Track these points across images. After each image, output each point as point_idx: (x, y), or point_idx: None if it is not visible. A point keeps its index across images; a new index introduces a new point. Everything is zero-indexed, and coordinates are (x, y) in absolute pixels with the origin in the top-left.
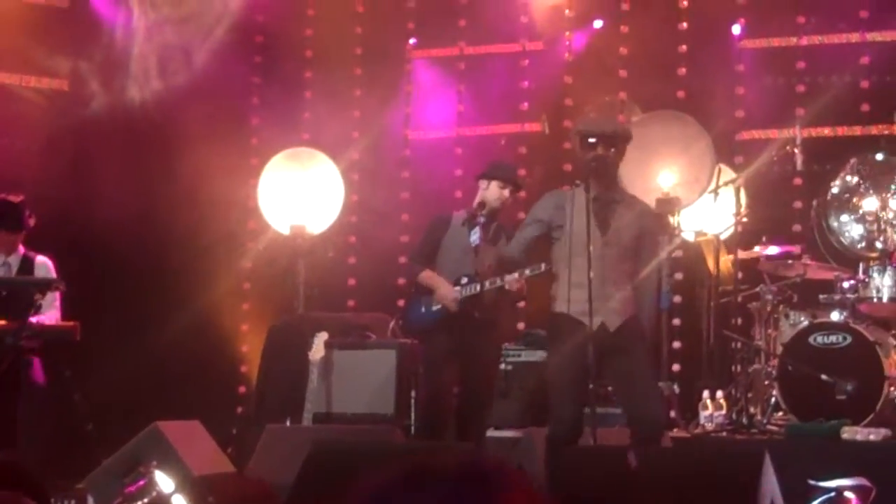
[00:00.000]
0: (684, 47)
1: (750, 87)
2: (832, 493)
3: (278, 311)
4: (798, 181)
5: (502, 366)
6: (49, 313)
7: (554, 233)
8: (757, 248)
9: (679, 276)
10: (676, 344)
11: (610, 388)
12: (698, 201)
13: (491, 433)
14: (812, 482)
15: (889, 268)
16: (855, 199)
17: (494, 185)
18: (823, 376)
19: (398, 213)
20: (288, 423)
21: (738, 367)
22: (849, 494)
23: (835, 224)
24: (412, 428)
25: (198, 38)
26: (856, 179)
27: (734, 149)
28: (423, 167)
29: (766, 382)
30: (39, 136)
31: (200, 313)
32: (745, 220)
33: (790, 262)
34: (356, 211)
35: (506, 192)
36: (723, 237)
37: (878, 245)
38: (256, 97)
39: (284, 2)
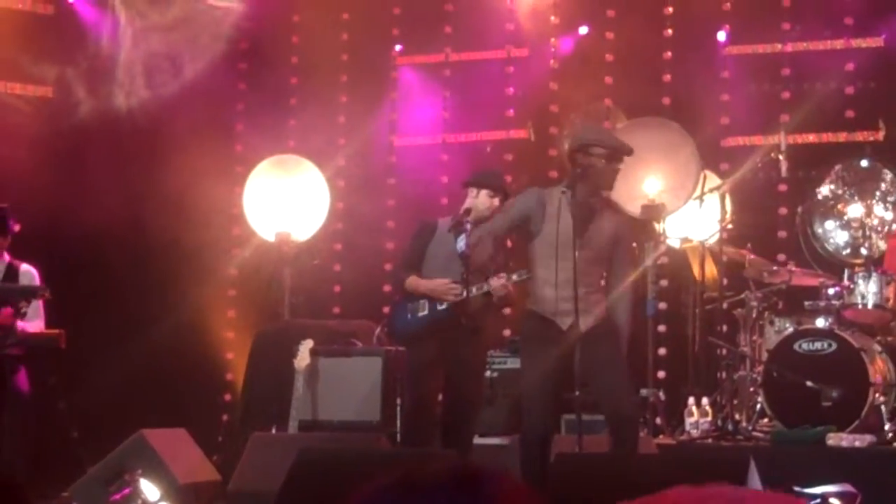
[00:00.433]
0: (669, 54)
1: (735, 93)
2: (818, 500)
3: (264, 319)
4: (783, 188)
5: (488, 373)
6: (34, 322)
7: (532, 227)
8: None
9: (664, 282)
10: (662, 350)
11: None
12: (683, 208)
13: (477, 440)
14: (797, 489)
15: (874, 274)
16: (840, 206)
17: (484, 193)
18: (809, 383)
19: (384, 220)
20: (274, 431)
21: (724, 374)
22: (834, 501)
23: (820, 230)
24: (398, 435)
25: (184, 46)
26: (840, 186)
27: (719, 155)
28: (408, 174)
29: (752, 389)
30: (24, 143)
31: (186, 321)
32: (730, 226)
33: (775, 268)
34: (342, 218)
35: (496, 201)
36: (708, 244)
37: (863, 251)
38: (242, 104)
39: (270, 8)
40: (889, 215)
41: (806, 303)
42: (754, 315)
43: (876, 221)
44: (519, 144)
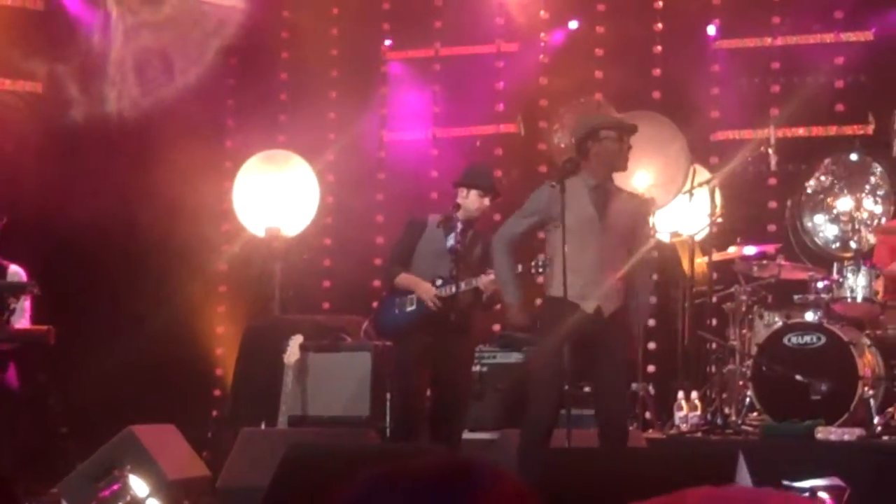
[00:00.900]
0: (659, 48)
1: (725, 87)
2: (806, 494)
3: (253, 314)
4: (773, 181)
5: (477, 367)
6: (20, 320)
7: (551, 224)
8: (732, 249)
9: (654, 276)
10: (651, 345)
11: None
12: (673, 202)
13: (466, 435)
14: (786, 482)
15: (863, 268)
16: (829, 200)
17: (474, 194)
18: (798, 376)
19: (373, 215)
20: (263, 426)
21: (713, 368)
22: (823, 494)
23: (809, 224)
24: (387, 430)
25: (175, 42)
26: (830, 180)
27: (709, 149)
28: (398, 169)
29: (741, 383)
30: (14, 138)
31: (175, 316)
32: (719, 220)
33: (765, 262)
34: (332, 213)
35: (486, 201)
36: (698, 238)
37: (853, 245)
38: (232, 99)
39: (260, 4)
40: (878, 209)
41: (795, 296)
42: (744, 309)
43: (865, 215)
44: (509, 139)
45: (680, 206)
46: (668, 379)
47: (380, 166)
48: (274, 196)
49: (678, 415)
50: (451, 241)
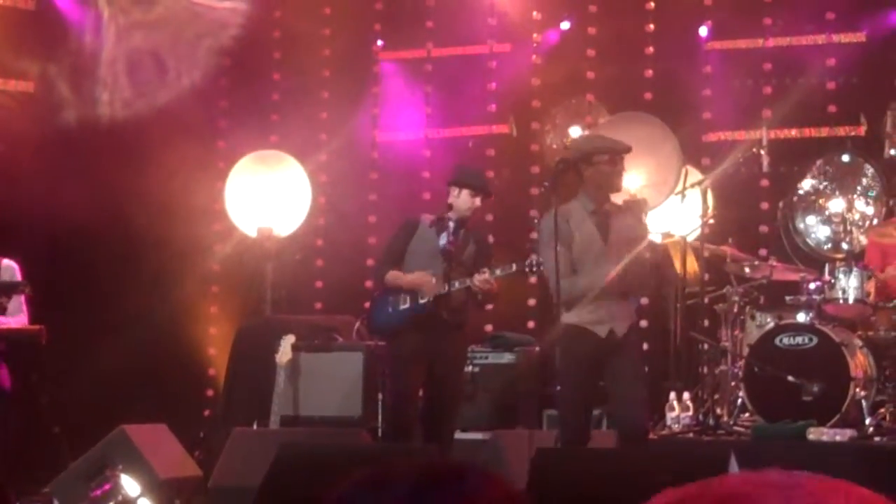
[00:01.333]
0: (651, 49)
1: (717, 88)
2: None
3: (245, 314)
4: (765, 182)
5: (469, 368)
6: (16, 317)
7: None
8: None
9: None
10: (644, 345)
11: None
12: (665, 203)
13: (457, 435)
14: None
15: (855, 269)
16: (821, 201)
17: (466, 193)
18: (790, 377)
19: (366, 215)
20: (255, 426)
21: (705, 369)
22: None
23: (801, 225)
24: (379, 430)
25: (167, 43)
26: (822, 181)
27: (701, 150)
28: (390, 169)
29: (733, 384)
30: (4, 138)
31: (168, 316)
32: (711, 221)
33: (757, 263)
34: (324, 213)
35: (477, 201)
36: (690, 239)
37: (844, 246)
38: (224, 99)
39: (251, 3)
40: (870, 210)
41: (787, 297)
42: (735, 310)
43: (857, 216)
44: (501, 139)
45: (672, 208)
46: (660, 379)
47: (372, 166)
48: (266, 196)
49: (670, 415)
50: (443, 241)
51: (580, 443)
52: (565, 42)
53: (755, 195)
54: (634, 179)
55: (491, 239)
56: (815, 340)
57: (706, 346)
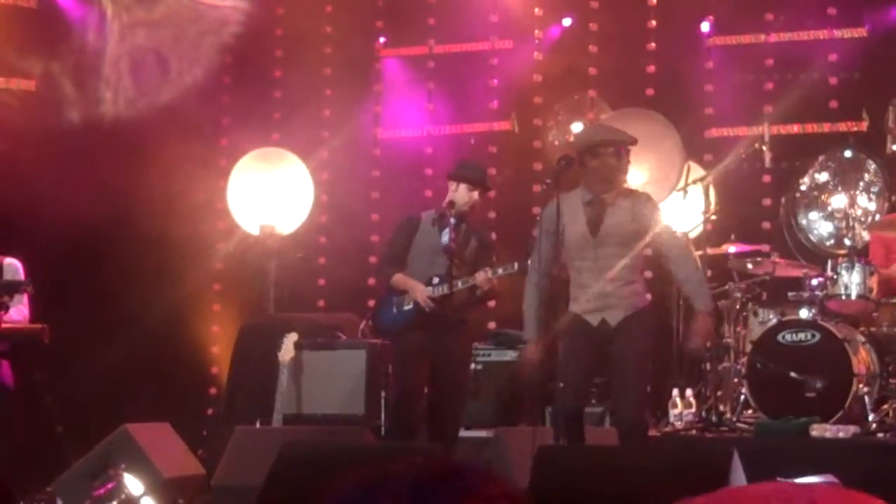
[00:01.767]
0: (653, 45)
1: (719, 84)
2: None
3: (248, 312)
4: (767, 178)
5: (473, 365)
6: (20, 314)
7: (559, 234)
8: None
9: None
10: (648, 337)
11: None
12: (667, 199)
13: (461, 433)
14: (781, 480)
15: (857, 265)
16: (824, 197)
17: (463, 187)
18: (792, 374)
19: (368, 213)
20: (258, 425)
21: (708, 366)
22: None
23: (803, 221)
24: (383, 428)
25: (169, 41)
26: (824, 176)
27: (703, 146)
28: (393, 166)
29: (736, 380)
30: (7, 136)
31: (170, 315)
32: (714, 217)
33: (759, 259)
34: (326, 211)
35: (475, 195)
36: (692, 235)
37: (847, 242)
38: (226, 97)
39: (253, 1)
40: (872, 206)
41: (789, 294)
42: (738, 306)
43: (859, 212)
44: (503, 136)
45: (674, 204)
46: (662, 377)
47: (374, 164)
48: (268, 194)
49: (673, 412)
50: (445, 238)
51: (573, 412)
52: (567, 38)
53: (757, 191)
54: (637, 175)
55: (493, 236)
56: (818, 337)
57: (709, 343)
